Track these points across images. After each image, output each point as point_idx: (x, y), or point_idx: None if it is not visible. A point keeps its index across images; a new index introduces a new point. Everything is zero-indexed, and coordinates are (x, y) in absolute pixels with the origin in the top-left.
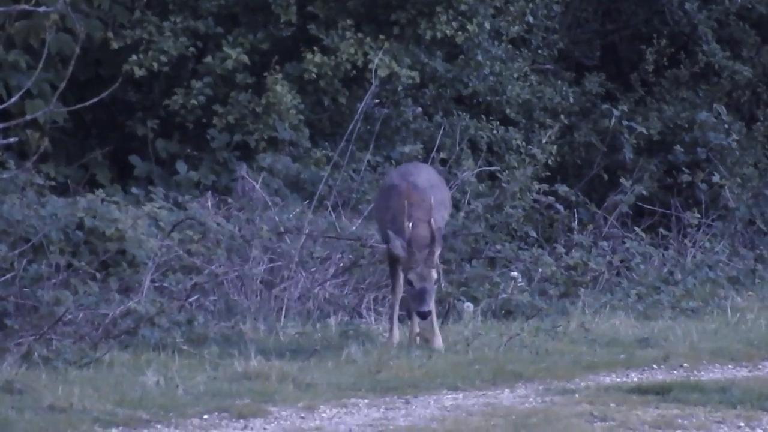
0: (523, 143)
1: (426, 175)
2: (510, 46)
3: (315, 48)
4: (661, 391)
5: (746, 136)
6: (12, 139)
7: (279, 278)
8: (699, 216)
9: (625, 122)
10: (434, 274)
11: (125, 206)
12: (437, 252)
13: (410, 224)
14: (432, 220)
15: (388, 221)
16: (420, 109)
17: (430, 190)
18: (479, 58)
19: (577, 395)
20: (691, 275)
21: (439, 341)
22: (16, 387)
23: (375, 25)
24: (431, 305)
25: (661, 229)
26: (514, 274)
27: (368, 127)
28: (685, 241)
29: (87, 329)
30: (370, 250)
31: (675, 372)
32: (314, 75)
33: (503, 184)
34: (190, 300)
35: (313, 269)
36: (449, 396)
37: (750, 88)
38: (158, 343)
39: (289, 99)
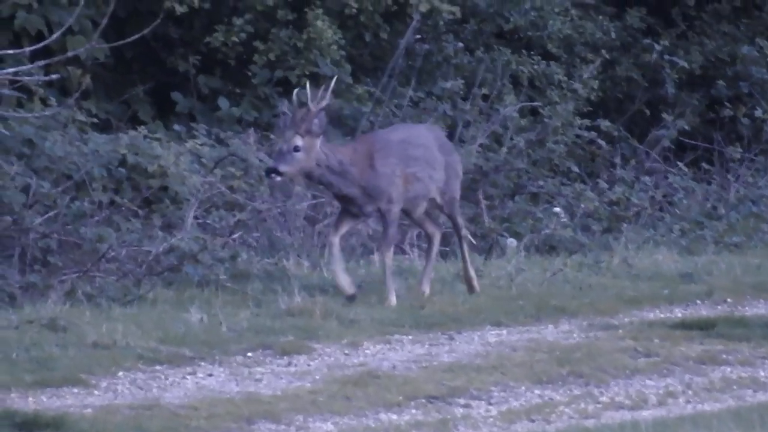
0: (565, 78)
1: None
2: None
3: None
4: (705, 327)
5: None
6: (53, 76)
7: (322, 214)
8: (741, 150)
9: (666, 57)
10: None
11: (167, 143)
12: None
13: None
14: None
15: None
16: (461, 45)
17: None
18: None
19: (620, 330)
20: (734, 210)
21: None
22: (60, 324)
23: None
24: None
25: (703, 164)
26: (557, 209)
27: (410, 62)
28: (728, 175)
29: (130, 266)
30: None
31: (719, 307)
32: (355, 10)
33: (545, 120)
34: (233, 236)
35: None
36: (493, 332)
37: None
38: (201, 280)
39: (330, 34)
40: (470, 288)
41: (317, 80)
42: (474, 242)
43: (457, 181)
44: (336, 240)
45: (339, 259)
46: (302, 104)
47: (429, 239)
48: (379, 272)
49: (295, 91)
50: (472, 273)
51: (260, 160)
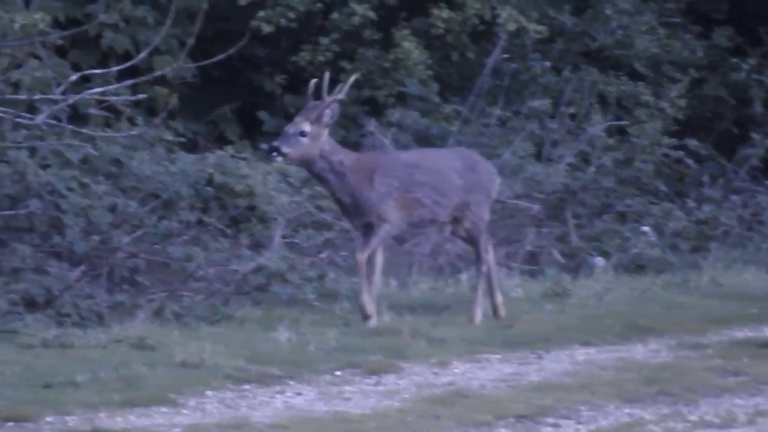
0: (652, 97)
1: None
2: (638, 0)
3: (442, 3)
4: None
5: None
6: (140, 96)
7: (410, 234)
8: None
9: (754, 76)
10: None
11: (254, 162)
12: None
13: None
14: None
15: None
16: (548, 64)
17: None
18: (607, 11)
19: (709, 350)
20: None
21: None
22: (148, 343)
23: None
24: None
25: None
26: (645, 228)
27: (497, 81)
28: None
29: (218, 286)
30: (501, 206)
31: None
32: (442, 30)
33: (632, 139)
34: (321, 256)
35: None
36: (581, 350)
37: None
38: (289, 300)
39: (417, 54)
40: (471, 317)
41: (404, 100)
42: (563, 261)
43: (486, 203)
44: (363, 258)
45: (365, 276)
46: (318, 95)
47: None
48: (468, 292)
49: (312, 81)
50: (480, 309)
51: None
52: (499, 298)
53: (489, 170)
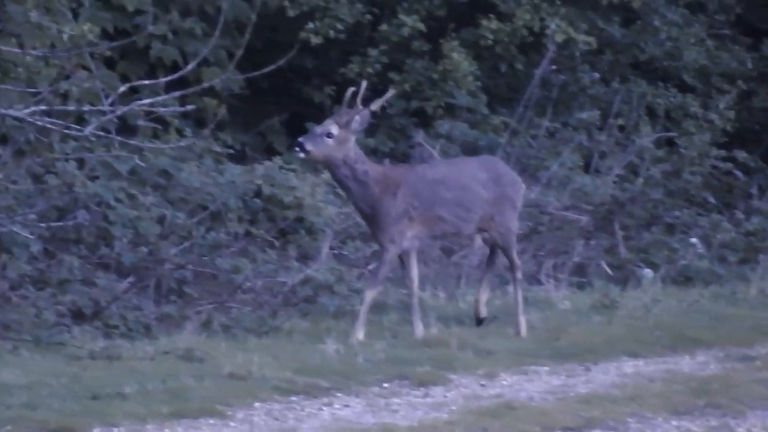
0: (701, 109)
1: None
2: (686, 11)
3: (491, 14)
4: None
5: None
6: (189, 107)
7: (458, 245)
8: None
9: None
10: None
11: (303, 174)
12: None
13: None
14: None
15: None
16: (597, 75)
17: None
18: (656, 23)
19: (757, 362)
20: None
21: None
22: (196, 355)
23: None
24: None
25: None
26: (693, 240)
27: (545, 93)
28: None
29: (266, 297)
30: (550, 217)
31: None
32: (490, 41)
33: (681, 150)
34: (369, 267)
35: None
36: (629, 362)
37: None
38: (337, 311)
39: (465, 65)
40: (517, 331)
41: (453, 111)
42: (612, 273)
43: (513, 213)
44: (374, 294)
45: (368, 312)
46: (352, 103)
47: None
48: (514, 303)
49: (350, 89)
50: (523, 319)
51: None
52: (484, 298)
53: (514, 180)
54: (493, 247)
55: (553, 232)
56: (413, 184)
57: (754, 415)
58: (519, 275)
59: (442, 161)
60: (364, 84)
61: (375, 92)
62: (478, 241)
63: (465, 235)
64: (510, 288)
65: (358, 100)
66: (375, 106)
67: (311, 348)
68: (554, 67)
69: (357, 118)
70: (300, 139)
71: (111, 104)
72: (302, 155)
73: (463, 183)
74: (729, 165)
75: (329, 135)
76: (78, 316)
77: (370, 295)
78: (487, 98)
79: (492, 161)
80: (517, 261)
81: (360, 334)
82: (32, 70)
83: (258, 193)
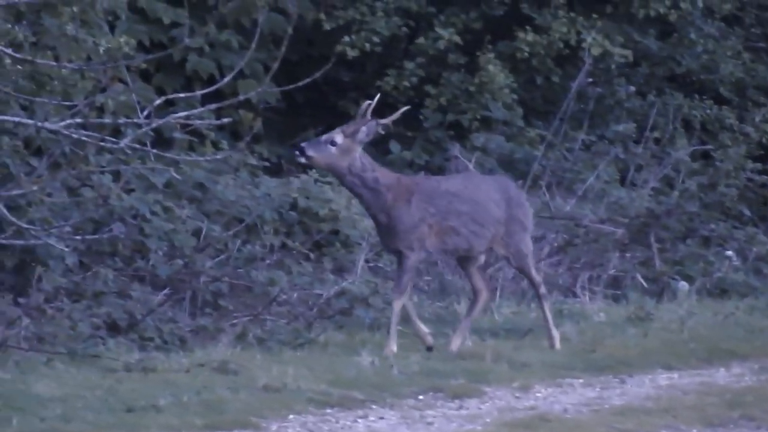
0: (737, 122)
1: None
2: (723, 24)
3: (527, 27)
4: None
5: None
6: (225, 120)
7: (493, 258)
8: None
9: None
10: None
11: (338, 186)
12: None
13: None
14: None
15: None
16: (633, 88)
17: None
18: (692, 36)
19: None
20: None
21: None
22: (231, 367)
23: (587, 3)
24: None
25: None
26: (729, 252)
27: (581, 105)
28: None
29: (301, 309)
30: (585, 230)
31: None
32: (527, 54)
33: (717, 163)
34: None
35: None
36: (664, 375)
37: None
38: (372, 324)
39: (501, 78)
40: (551, 344)
41: (488, 124)
42: (647, 285)
43: (524, 234)
44: (401, 303)
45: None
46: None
47: (474, 295)
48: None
49: (366, 102)
50: (555, 332)
51: None
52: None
53: (523, 203)
54: (476, 294)
55: (589, 244)
56: (428, 193)
57: None
58: (542, 290)
59: (457, 176)
60: (377, 97)
61: (411, 105)
62: (481, 260)
63: (476, 252)
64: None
65: (368, 112)
66: (385, 120)
67: (346, 360)
68: (590, 79)
69: (363, 129)
70: (302, 144)
71: (147, 117)
72: (303, 160)
73: (477, 198)
74: (765, 178)
75: (333, 143)
76: (113, 328)
77: (397, 305)
78: (523, 111)
79: (504, 182)
80: (537, 277)
81: (393, 346)
82: (68, 83)
83: (294, 206)
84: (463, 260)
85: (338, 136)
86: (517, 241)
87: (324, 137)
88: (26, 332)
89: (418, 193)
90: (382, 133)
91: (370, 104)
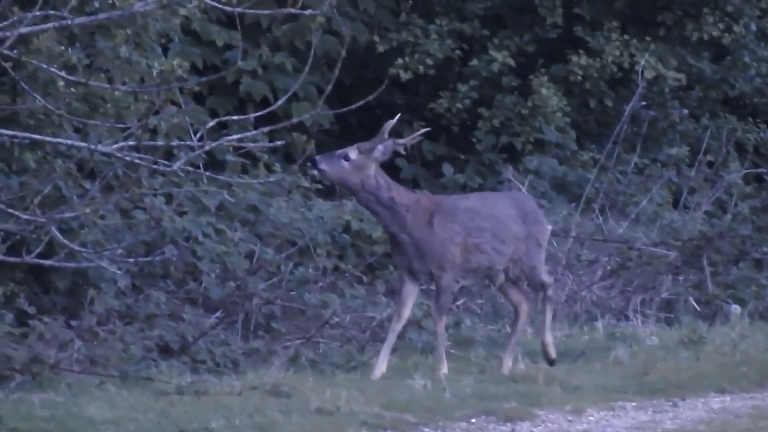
0: None
1: None
2: None
3: (580, 50)
4: None
5: None
6: (278, 142)
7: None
8: None
9: None
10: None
11: None
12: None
13: None
14: None
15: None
16: (686, 111)
17: None
18: (746, 59)
19: None
20: None
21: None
22: (284, 390)
23: (641, 26)
24: None
25: None
26: None
27: (635, 129)
28: None
29: (354, 332)
30: (638, 253)
31: None
32: (580, 77)
33: None
34: (457, 303)
35: (581, 272)
36: (716, 398)
37: None
38: (425, 347)
39: (555, 101)
40: (546, 355)
41: (542, 147)
42: (698, 308)
43: (539, 251)
44: (443, 323)
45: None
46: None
47: (515, 311)
48: (603, 339)
49: (388, 122)
50: (549, 339)
51: None
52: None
53: (540, 220)
54: (516, 310)
55: (642, 267)
56: (450, 211)
57: None
58: (550, 292)
59: (474, 194)
60: (397, 117)
61: (464, 128)
62: (501, 278)
63: (496, 271)
64: (598, 324)
65: (387, 131)
66: (403, 140)
67: (399, 383)
68: (644, 103)
69: (380, 147)
70: (316, 157)
71: (200, 139)
72: (315, 172)
73: (497, 216)
74: None
75: (346, 158)
76: (165, 351)
77: (441, 327)
78: (576, 134)
79: (522, 198)
80: (548, 279)
81: (444, 368)
82: (121, 105)
83: (346, 229)
84: (485, 280)
85: (352, 152)
86: (533, 258)
87: (339, 152)
88: (78, 355)
89: (440, 213)
90: (404, 154)
91: (390, 123)
